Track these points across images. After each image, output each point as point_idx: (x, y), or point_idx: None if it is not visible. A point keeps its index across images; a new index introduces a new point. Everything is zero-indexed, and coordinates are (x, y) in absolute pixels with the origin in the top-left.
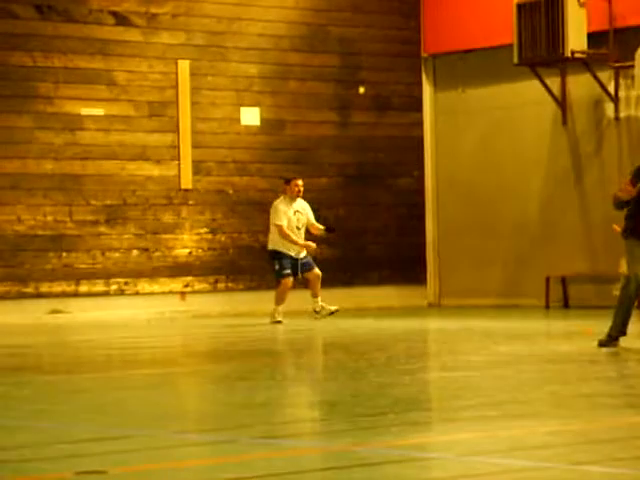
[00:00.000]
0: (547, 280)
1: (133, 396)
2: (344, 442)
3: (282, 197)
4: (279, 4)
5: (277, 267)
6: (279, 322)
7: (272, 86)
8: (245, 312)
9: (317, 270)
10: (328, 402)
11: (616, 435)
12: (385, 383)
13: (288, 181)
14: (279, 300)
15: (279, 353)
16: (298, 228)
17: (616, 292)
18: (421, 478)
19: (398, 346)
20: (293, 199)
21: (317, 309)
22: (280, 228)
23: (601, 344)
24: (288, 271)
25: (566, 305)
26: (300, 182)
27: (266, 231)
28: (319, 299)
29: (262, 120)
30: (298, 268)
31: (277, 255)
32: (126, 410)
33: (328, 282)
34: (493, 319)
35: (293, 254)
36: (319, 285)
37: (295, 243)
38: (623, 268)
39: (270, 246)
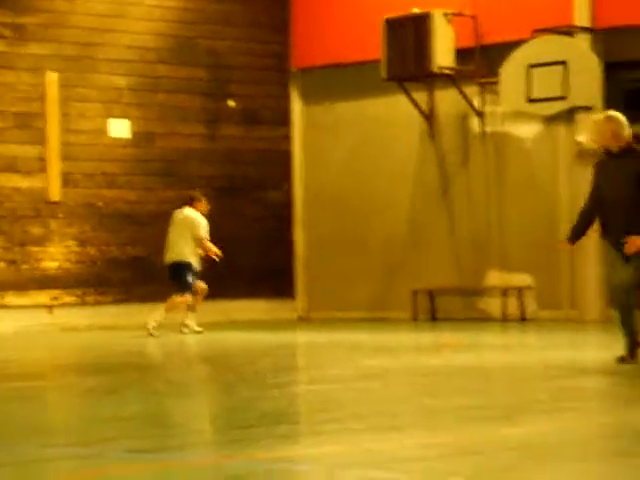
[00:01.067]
0: (414, 293)
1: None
2: (212, 455)
3: (193, 210)
4: (148, 16)
5: (189, 279)
6: (200, 332)
7: (141, 98)
8: (113, 325)
9: (204, 284)
10: (196, 416)
11: (483, 447)
12: (253, 397)
13: (195, 198)
14: (171, 310)
15: (147, 367)
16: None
17: (482, 305)
18: None
19: (267, 360)
20: (203, 215)
21: (186, 323)
22: (203, 241)
23: (622, 360)
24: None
25: (433, 318)
26: (205, 201)
27: (134, 243)
28: (194, 315)
29: (132, 133)
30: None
31: (188, 267)
32: None
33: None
34: (361, 332)
35: (197, 269)
36: (201, 300)
37: (212, 253)
38: None
39: (181, 258)
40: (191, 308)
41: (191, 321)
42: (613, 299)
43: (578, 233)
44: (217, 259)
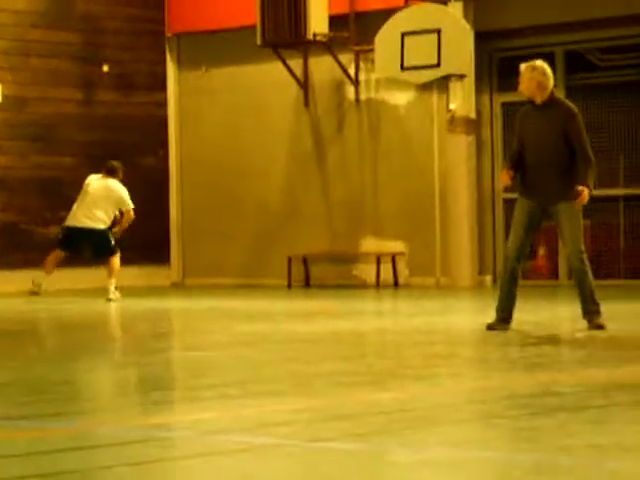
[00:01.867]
0: (289, 260)
1: None
2: (87, 423)
3: (116, 182)
4: None
5: (113, 242)
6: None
7: (12, 62)
8: None
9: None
10: (69, 383)
11: (354, 411)
12: (128, 363)
13: (119, 169)
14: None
15: (23, 333)
16: None
17: (356, 271)
18: (164, 457)
19: (140, 326)
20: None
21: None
22: (130, 214)
23: (491, 327)
24: None
25: (308, 284)
26: None
27: (6, 209)
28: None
29: (3, 97)
30: None
31: (108, 232)
32: None
33: (67, 262)
34: (236, 299)
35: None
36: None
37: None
38: None
39: (104, 225)
40: (109, 274)
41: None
42: (505, 263)
43: (515, 168)
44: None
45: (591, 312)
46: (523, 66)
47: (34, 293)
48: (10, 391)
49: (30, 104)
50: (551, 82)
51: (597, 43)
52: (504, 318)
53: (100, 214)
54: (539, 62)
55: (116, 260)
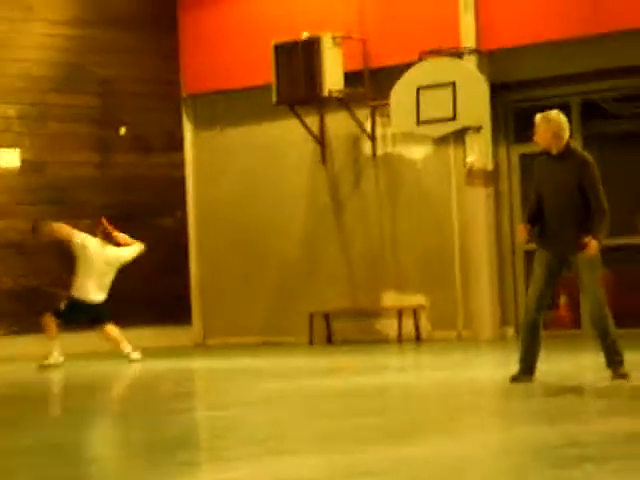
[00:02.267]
0: (310, 316)
1: None
2: None
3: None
4: (38, 44)
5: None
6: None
7: (31, 127)
8: (6, 356)
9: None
10: (94, 445)
11: (378, 468)
12: (152, 424)
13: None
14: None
15: (42, 399)
16: None
17: (377, 326)
18: None
19: (164, 387)
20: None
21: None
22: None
23: (515, 379)
24: None
25: (330, 341)
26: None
27: (26, 273)
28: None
29: (22, 161)
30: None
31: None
32: None
33: (89, 326)
34: (258, 357)
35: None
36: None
37: None
38: None
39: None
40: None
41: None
42: (526, 314)
43: (533, 219)
44: None
45: (614, 362)
46: (539, 117)
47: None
48: (34, 456)
49: (48, 168)
50: (567, 132)
51: (612, 92)
52: (527, 370)
53: (106, 282)
54: (554, 112)
55: (113, 328)
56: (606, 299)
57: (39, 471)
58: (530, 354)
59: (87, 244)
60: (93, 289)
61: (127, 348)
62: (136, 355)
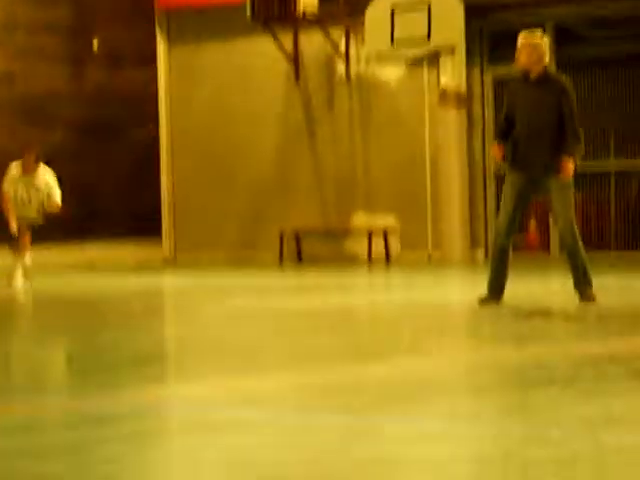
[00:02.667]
0: (281, 234)
1: None
2: (77, 398)
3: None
4: None
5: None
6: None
7: (2, 39)
8: None
9: None
10: (65, 358)
11: (345, 385)
12: (121, 339)
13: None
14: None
15: (15, 310)
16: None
17: (347, 246)
18: (153, 430)
19: (133, 302)
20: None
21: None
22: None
23: (483, 301)
24: None
25: (300, 259)
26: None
27: None
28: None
29: None
30: None
31: None
32: None
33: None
34: (228, 274)
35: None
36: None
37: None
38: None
39: None
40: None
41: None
42: (495, 238)
43: (504, 140)
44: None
45: (583, 285)
46: (523, 37)
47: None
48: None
49: (18, 80)
50: (547, 56)
51: (587, 17)
52: (495, 293)
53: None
54: (539, 34)
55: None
56: (576, 222)
57: (1, 382)
58: (498, 278)
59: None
60: None
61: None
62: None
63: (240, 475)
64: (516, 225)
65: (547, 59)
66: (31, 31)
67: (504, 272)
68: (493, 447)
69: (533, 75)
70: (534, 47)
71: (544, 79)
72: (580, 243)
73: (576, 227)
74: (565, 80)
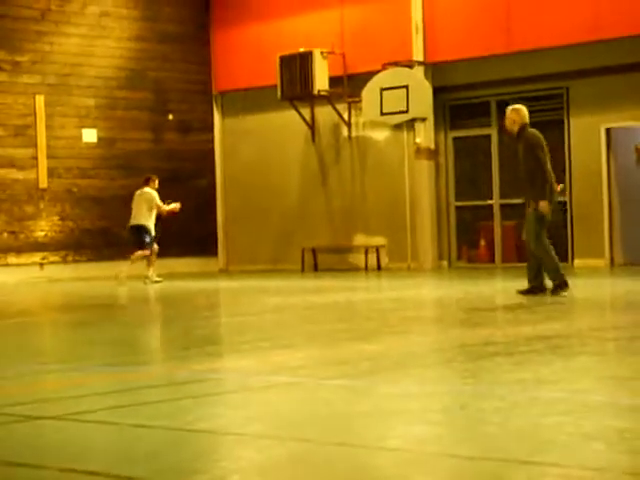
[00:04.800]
0: (302, 251)
1: (4, 338)
2: (161, 368)
3: (149, 188)
4: (109, 54)
5: (146, 239)
6: (159, 281)
7: (105, 114)
8: (88, 277)
9: (156, 246)
10: (150, 340)
11: (349, 358)
12: (190, 326)
13: (149, 179)
14: (153, 263)
15: (115, 306)
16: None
17: (351, 259)
18: (214, 392)
19: (198, 300)
20: (155, 189)
21: (147, 275)
22: (161, 207)
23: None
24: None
25: (316, 269)
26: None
27: (101, 218)
28: (153, 269)
29: (98, 138)
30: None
31: (145, 230)
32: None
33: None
34: (265, 280)
35: (153, 234)
36: (155, 258)
37: (172, 209)
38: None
39: (140, 222)
40: (150, 263)
41: (151, 273)
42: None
43: None
44: (177, 208)
45: (553, 283)
46: (508, 108)
47: (156, 281)
48: (106, 347)
49: (117, 143)
50: (522, 119)
51: (521, 94)
52: (530, 289)
53: (140, 214)
54: (517, 105)
55: (139, 252)
56: (539, 239)
57: (109, 357)
58: (531, 276)
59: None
60: (131, 218)
61: (149, 272)
62: (158, 278)
63: (274, 419)
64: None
65: (519, 121)
66: (127, 108)
67: (535, 271)
68: (454, 401)
69: (513, 134)
70: (508, 114)
71: (519, 135)
72: (541, 252)
73: (536, 241)
74: (533, 136)
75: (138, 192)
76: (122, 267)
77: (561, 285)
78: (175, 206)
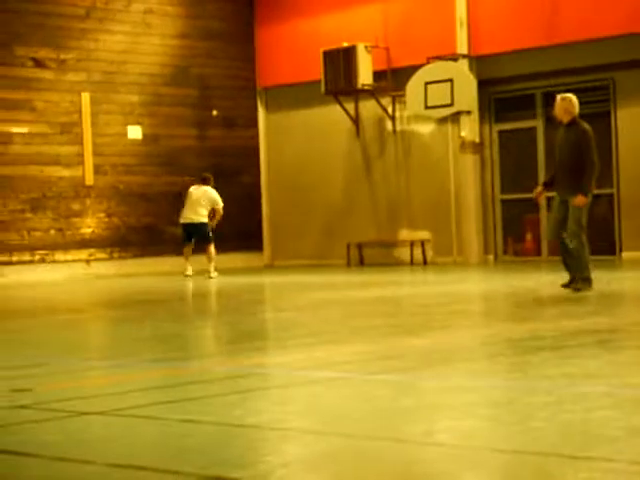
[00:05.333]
0: (348, 246)
1: (53, 334)
2: (207, 363)
3: (210, 188)
4: (153, 52)
5: (211, 233)
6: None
7: (150, 110)
8: (133, 273)
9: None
10: (196, 336)
11: (396, 353)
12: (236, 321)
13: (209, 178)
14: (214, 258)
15: (161, 301)
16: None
17: (396, 254)
18: (261, 387)
19: (245, 295)
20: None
21: (209, 271)
22: (220, 209)
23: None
24: None
25: (361, 263)
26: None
27: (147, 214)
28: (212, 264)
29: (143, 135)
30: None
31: (208, 226)
32: (47, 345)
33: (195, 250)
34: (310, 275)
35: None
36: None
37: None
38: None
39: (202, 220)
40: (211, 259)
41: (212, 269)
42: (551, 232)
43: (548, 182)
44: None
45: (575, 276)
46: (558, 97)
47: (187, 276)
48: (152, 343)
49: (161, 140)
50: (575, 109)
51: (567, 86)
52: (571, 278)
53: (202, 211)
54: (567, 95)
55: (212, 247)
56: (581, 231)
57: (155, 353)
58: (568, 266)
59: (190, 189)
60: (190, 214)
61: (211, 267)
62: (214, 274)
63: (319, 414)
64: (564, 225)
65: (574, 111)
66: (171, 105)
67: (566, 264)
68: (501, 395)
69: (565, 123)
70: (560, 104)
71: (571, 125)
72: (580, 246)
73: (577, 235)
74: (585, 125)
75: (195, 189)
76: (210, 267)
77: (587, 280)
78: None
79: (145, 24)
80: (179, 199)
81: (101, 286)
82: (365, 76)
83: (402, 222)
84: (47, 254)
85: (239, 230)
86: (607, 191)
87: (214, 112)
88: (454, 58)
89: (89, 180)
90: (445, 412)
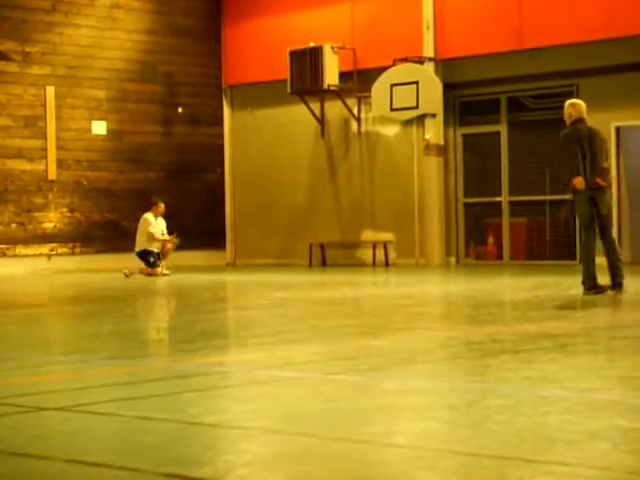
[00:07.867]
0: (310, 246)
1: (12, 329)
2: (166, 361)
3: (148, 214)
4: (120, 47)
5: (150, 260)
6: (167, 274)
7: (115, 106)
8: (95, 269)
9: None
10: (154, 332)
11: (355, 354)
12: (195, 319)
13: (152, 203)
14: (167, 257)
15: (120, 298)
16: (163, 233)
17: (358, 254)
18: (220, 385)
19: (205, 293)
20: (156, 217)
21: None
22: (154, 236)
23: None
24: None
25: (324, 264)
26: (162, 205)
27: (110, 210)
28: (164, 262)
29: (107, 130)
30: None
31: (146, 253)
32: (6, 339)
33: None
34: (272, 274)
35: (156, 250)
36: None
37: (167, 241)
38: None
39: (139, 249)
40: (164, 257)
41: (161, 266)
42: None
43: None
44: (173, 242)
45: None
46: (566, 103)
47: (126, 276)
48: (111, 339)
49: (126, 136)
50: (576, 113)
51: (532, 91)
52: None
53: (139, 239)
54: (574, 100)
55: (146, 270)
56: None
57: (115, 349)
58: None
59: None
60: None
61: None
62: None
63: (279, 413)
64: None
65: (574, 114)
66: (136, 101)
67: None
68: (459, 398)
69: (568, 124)
70: (566, 109)
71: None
72: (582, 247)
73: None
74: (592, 127)
75: (141, 218)
76: (131, 265)
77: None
78: (172, 240)
79: (111, 19)
80: (144, 196)
81: (62, 281)
82: (331, 77)
83: (365, 223)
84: (8, 248)
85: (202, 228)
86: (568, 196)
87: (180, 109)
88: (420, 61)
89: (52, 174)
90: (403, 413)
